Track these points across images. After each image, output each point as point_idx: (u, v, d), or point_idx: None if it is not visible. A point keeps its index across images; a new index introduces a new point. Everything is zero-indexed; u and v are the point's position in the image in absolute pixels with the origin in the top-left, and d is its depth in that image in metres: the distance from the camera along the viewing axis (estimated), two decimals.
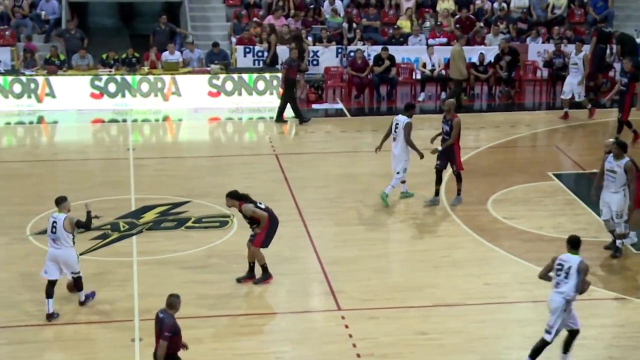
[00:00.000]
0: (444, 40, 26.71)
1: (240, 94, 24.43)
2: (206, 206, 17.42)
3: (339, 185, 18.56)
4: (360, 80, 25.29)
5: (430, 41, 26.37)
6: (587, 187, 18.02)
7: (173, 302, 10.93)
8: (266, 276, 14.50)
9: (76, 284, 13.57)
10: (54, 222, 13.19)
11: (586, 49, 24.79)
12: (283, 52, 25.23)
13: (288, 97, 23.08)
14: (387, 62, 24.98)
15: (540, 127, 23.04)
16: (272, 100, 24.27)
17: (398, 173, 17.67)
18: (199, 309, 13.53)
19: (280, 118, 23.18)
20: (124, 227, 16.55)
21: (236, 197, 14.19)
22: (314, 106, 24.77)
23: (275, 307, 14.01)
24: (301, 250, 15.75)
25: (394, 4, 28.26)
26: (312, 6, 27.77)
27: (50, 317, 13.27)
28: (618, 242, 15.39)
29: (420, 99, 25.22)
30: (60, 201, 13.34)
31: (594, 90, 25.35)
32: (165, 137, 23.26)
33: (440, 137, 17.61)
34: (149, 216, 17.05)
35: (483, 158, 19.54)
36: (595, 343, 12.75)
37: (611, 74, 25.84)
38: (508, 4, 27.92)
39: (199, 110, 24.10)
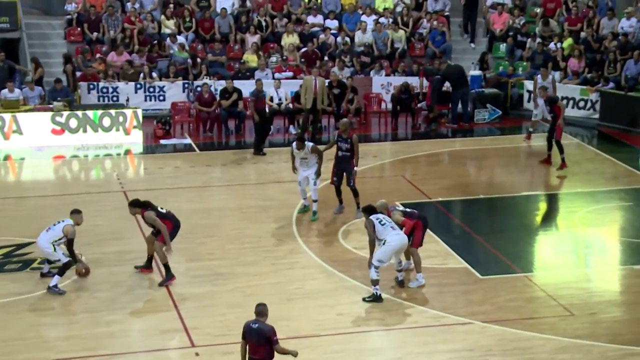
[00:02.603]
0: (290, 74, 26.94)
1: (85, 131, 23.94)
2: None
3: (190, 221, 18.30)
4: (208, 115, 25.19)
5: (277, 75, 26.57)
6: (434, 216, 18.44)
7: (263, 310, 11.51)
8: (169, 276, 15.31)
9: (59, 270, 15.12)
10: (59, 221, 15.06)
11: (554, 74, 26.01)
12: (126, 88, 25.08)
13: (259, 127, 23.12)
14: (234, 95, 24.91)
15: (387, 157, 23.47)
16: (119, 137, 23.91)
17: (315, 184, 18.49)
18: (46, 353, 13.09)
19: (258, 151, 23.19)
20: None
21: (138, 205, 15.49)
22: (162, 142, 24.51)
23: (128, 346, 13.67)
24: (153, 287, 15.45)
25: (239, 39, 28.36)
26: (155, 41, 27.57)
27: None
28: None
29: (292, 131, 25.31)
30: (74, 212, 15.18)
31: (433, 121, 26.01)
32: (7, 176, 22.51)
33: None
34: None
35: (333, 190, 19.66)
36: None
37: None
38: (351, 39, 28.44)
39: (43, 149, 23.47)
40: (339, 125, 19.16)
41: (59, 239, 15.03)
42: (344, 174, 18.54)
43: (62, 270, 15.03)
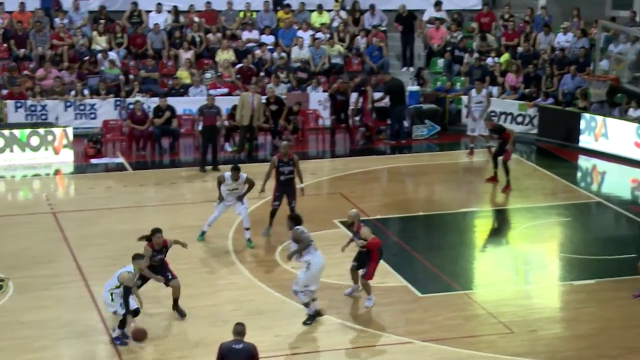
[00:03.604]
0: (225, 90, 26.57)
1: (12, 150, 23.31)
2: None
3: (122, 242, 17.86)
4: (140, 133, 24.69)
5: (212, 91, 26.14)
6: (373, 234, 18.17)
7: (243, 329, 11.44)
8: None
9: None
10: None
11: (492, 89, 26.10)
12: (55, 106, 24.80)
13: (205, 143, 22.79)
14: (167, 113, 24.48)
15: (325, 175, 23.20)
16: (48, 156, 23.34)
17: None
18: None
19: (211, 167, 22.79)
20: None
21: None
22: (93, 161, 23.93)
23: None
24: (83, 311, 14.99)
25: (173, 55, 27.91)
26: (86, 58, 26.99)
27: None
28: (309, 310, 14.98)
29: (228, 149, 24.90)
30: (136, 257, 14.01)
31: (369, 137, 25.83)
32: None
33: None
34: None
35: (269, 208, 19.35)
36: None
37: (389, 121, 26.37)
38: (288, 54, 28.16)
39: None
40: (279, 149, 18.56)
41: (116, 287, 13.75)
42: (285, 196, 18.22)
43: (122, 324, 13.87)
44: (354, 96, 25.81)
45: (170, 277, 14.85)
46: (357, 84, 26.12)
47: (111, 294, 13.81)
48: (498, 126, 22.04)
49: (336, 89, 25.70)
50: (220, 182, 17.88)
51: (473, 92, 24.57)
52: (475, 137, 24.35)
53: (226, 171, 18.16)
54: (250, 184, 17.93)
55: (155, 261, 14.73)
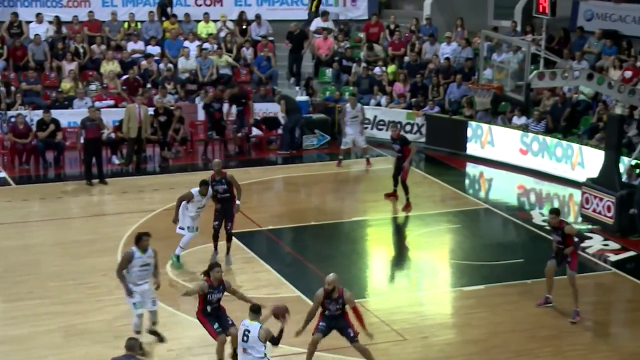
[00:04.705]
0: (111, 102, 26.09)
1: None
2: None
3: (6, 259, 17.44)
4: (23, 147, 24.02)
5: (97, 104, 25.62)
6: (265, 245, 18.20)
7: (134, 344, 11.15)
8: None
9: None
10: (246, 330, 12.29)
11: (381, 99, 26.27)
12: None
13: (88, 156, 22.28)
14: (51, 126, 23.90)
15: None
16: None
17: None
18: None
19: (97, 181, 22.33)
20: None
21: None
22: None
23: None
24: None
25: (55, 67, 27.27)
26: None
27: None
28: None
29: (115, 162, 24.40)
30: (256, 310, 12.42)
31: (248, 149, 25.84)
32: None
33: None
34: None
35: (160, 221, 19.09)
36: None
37: (279, 131, 26.29)
38: (174, 65, 27.84)
39: None
40: (212, 167, 17.61)
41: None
42: (225, 217, 17.41)
43: None
44: (226, 106, 25.60)
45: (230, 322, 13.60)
46: (234, 94, 25.81)
47: None
48: (403, 137, 21.78)
49: (212, 97, 25.49)
50: (187, 199, 17.00)
51: (348, 106, 24.46)
52: (347, 149, 24.47)
53: (192, 188, 17.24)
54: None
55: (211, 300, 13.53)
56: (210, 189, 17.15)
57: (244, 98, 25.80)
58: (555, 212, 15.75)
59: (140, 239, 14.15)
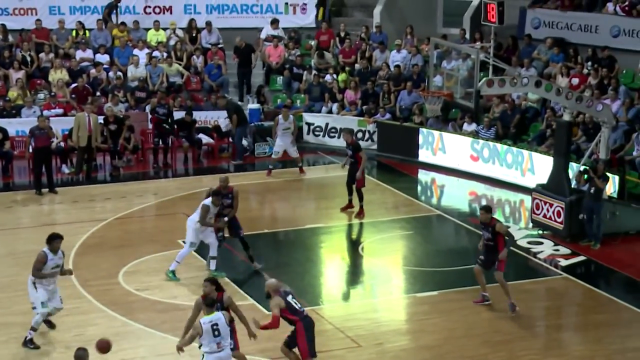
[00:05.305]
0: (60, 111, 25.83)
1: None
2: None
3: None
4: None
5: (46, 112, 25.33)
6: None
7: (83, 354, 11.05)
8: None
9: None
10: (214, 324, 12.23)
11: (333, 106, 26.29)
12: None
13: (38, 165, 22.02)
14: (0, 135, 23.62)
15: (168, 194, 22.78)
16: None
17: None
18: None
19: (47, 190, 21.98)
20: None
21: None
22: None
23: None
24: None
25: (3, 75, 26.92)
26: None
27: None
28: None
29: (65, 171, 24.15)
30: (211, 304, 12.52)
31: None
32: None
33: None
34: None
35: (111, 230, 18.91)
36: None
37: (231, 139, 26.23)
38: (124, 73, 27.62)
39: None
40: (220, 182, 17.75)
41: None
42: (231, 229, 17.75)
43: None
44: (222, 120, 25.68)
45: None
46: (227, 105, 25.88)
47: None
48: (357, 144, 21.74)
49: (156, 102, 25.36)
50: (206, 212, 17.04)
51: (280, 118, 24.42)
52: (277, 159, 24.43)
53: (205, 199, 17.21)
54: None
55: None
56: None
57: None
58: (486, 209, 16.09)
59: (53, 240, 14.54)
